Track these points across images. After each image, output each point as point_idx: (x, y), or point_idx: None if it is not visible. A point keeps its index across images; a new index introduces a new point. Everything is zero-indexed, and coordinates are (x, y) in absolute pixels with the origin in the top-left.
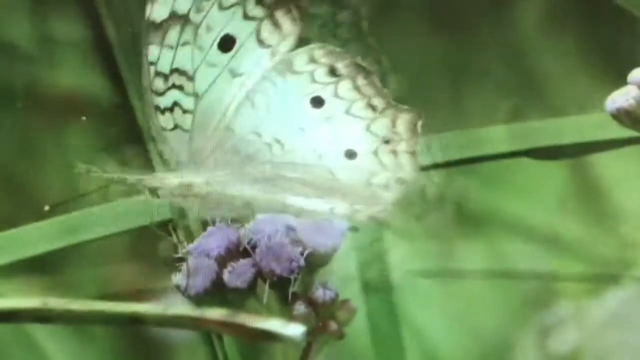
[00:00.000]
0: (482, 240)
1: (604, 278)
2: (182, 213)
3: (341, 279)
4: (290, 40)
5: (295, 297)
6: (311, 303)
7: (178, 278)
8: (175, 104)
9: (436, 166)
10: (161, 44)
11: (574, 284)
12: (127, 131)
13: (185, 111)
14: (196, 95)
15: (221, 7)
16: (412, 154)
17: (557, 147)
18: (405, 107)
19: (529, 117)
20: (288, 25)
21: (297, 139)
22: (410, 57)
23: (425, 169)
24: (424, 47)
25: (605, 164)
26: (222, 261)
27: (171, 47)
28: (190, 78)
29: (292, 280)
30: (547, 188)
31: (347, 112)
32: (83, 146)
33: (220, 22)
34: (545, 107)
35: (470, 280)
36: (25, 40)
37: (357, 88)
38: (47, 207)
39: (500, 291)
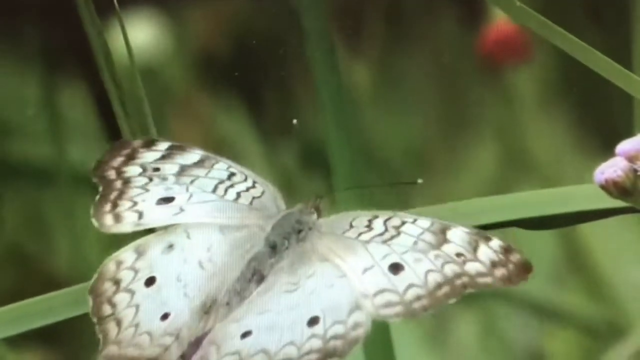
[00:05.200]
0: (476, 310)
1: (595, 346)
2: None
3: None
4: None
5: None
6: None
7: None
8: (369, 227)
9: None
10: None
11: (566, 352)
12: None
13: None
14: (366, 241)
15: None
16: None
17: (547, 218)
18: None
19: (519, 188)
20: (387, 311)
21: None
22: (405, 129)
23: None
24: (419, 120)
25: (594, 233)
26: None
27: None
28: (376, 247)
29: None
30: (538, 257)
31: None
32: (91, 220)
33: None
34: (535, 178)
35: (465, 350)
36: (33, 120)
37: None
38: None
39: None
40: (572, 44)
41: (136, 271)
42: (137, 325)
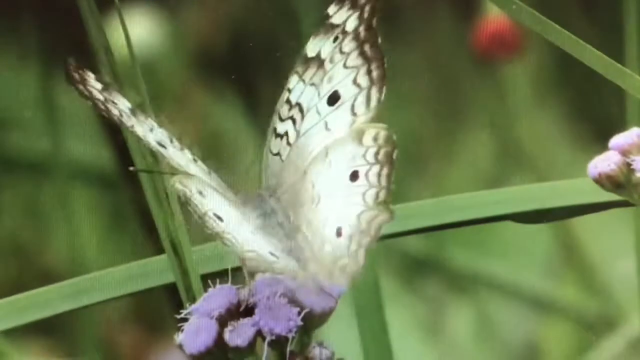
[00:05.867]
0: (471, 302)
1: (588, 337)
2: (185, 274)
3: (339, 339)
4: (367, 117)
5: (293, 355)
6: None
7: (181, 337)
8: (286, 133)
9: (425, 230)
10: (300, 76)
11: (560, 343)
12: (131, 200)
13: (288, 143)
14: (298, 133)
15: (345, 65)
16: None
17: (541, 211)
18: (392, 209)
19: (513, 182)
20: (374, 103)
21: (327, 204)
22: (400, 123)
23: (415, 233)
24: (414, 113)
25: (587, 227)
26: (224, 321)
27: (304, 82)
28: (303, 116)
29: (289, 339)
30: (533, 250)
31: (362, 195)
32: (88, 214)
33: (339, 78)
34: (529, 172)
35: (460, 341)
36: (31, 112)
37: (379, 175)
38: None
39: (489, 352)
40: (566, 39)
41: (201, 201)
42: (257, 253)
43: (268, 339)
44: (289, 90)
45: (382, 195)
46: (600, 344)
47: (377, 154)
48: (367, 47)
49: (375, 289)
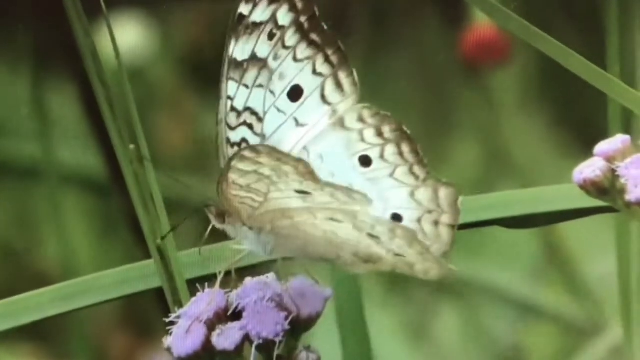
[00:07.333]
0: (457, 305)
1: (572, 341)
2: (171, 278)
3: (324, 343)
4: (349, 103)
5: (280, 359)
6: None
7: (169, 340)
8: (244, 140)
9: None
10: (239, 82)
11: (545, 346)
12: (121, 205)
13: None
14: (263, 136)
15: (295, 59)
16: (452, 227)
17: (527, 217)
18: (444, 180)
19: (500, 188)
20: (348, 87)
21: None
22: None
23: None
24: (401, 119)
25: (573, 232)
26: (211, 324)
27: (247, 87)
28: (260, 119)
29: (277, 343)
30: (519, 255)
31: (391, 175)
32: (79, 218)
33: (293, 73)
34: (515, 178)
35: (446, 344)
36: (22, 119)
37: (401, 154)
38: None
39: (475, 354)
40: (551, 46)
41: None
42: None
43: (255, 342)
44: (230, 98)
45: (417, 170)
46: (585, 347)
47: (378, 133)
48: (314, 36)
49: (356, 293)
